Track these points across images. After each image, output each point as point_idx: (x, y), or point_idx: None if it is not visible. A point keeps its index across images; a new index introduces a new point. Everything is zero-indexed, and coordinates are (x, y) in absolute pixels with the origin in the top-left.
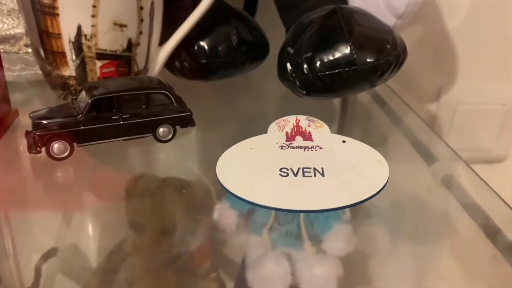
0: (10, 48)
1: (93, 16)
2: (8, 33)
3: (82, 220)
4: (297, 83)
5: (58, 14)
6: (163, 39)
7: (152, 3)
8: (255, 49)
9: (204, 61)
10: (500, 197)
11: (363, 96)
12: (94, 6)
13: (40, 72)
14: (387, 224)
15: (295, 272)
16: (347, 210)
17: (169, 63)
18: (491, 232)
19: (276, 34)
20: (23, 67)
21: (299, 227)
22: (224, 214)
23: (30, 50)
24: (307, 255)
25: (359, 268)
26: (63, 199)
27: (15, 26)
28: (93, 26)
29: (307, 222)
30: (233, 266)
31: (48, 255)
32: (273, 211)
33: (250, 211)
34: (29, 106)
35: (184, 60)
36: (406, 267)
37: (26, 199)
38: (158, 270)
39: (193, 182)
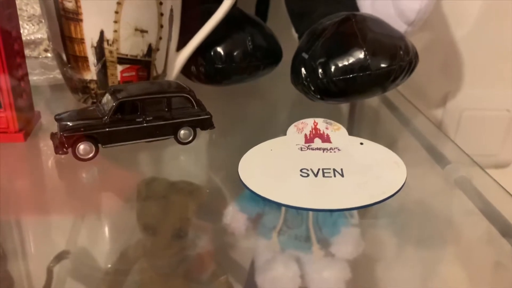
0: (30, 52)
1: (115, 22)
2: (28, 38)
3: (95, 222)
4: (312, 87)
5: (81, 20)
6: (179, 44)
7: (171, 10)
8: (269, 55)
9: (220, 66)
10: None
11: (372, 100)
12: (116, 12)
13: (59, 76)
14: (399, 227)
15: (304, 275)
16: (355, 213)
17: (185, 68)
18: (508, 234)
19: (285, 40)
20: (42, 71)
21: (308, 230)
22: (234, 218)
23: (49, 55)
24: (316, 258)
25: (367, 271)
26: (78, 200)
27: (35, 31)
28: (115, 31)
29: (315, 226)
30: (243, 269)
31: (60, 256)
32: (282, 215)
33: (259, 214)
34: (49, 109)
35: (200, 65)
36: (416, 270)
37: (43, 199)
38: (168, 273)
39: (208, 186)
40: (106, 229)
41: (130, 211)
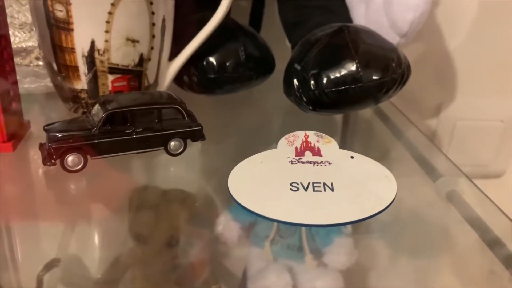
0: (21, 60)
1: (106, 31)
2: (19, 46)
3: (86, 231)
4: (304, 98)
5: (72, 29)
6: (172, 54)
7: (164, 20)
8: (262, 65)
9: (213, 76)
10: (504, 213)
11: (365, 112)
12: (108, 22)
13: (50, 85)
14: (390, 238)
15: (297, 285)
16: None
17: (178, 78)
18: (496, 247)
19: (279, 51)
20: (33, 80)
21: (301, 240)
22: (227, 227)
23: (40, 63)
24: (309, 268)
25: (360, 281)
26: (69, 209)
27: (26, 39)
28: (106, 41)
29: (308, 235)
30: (235, 279)
31: (50, 265)
32: (275, 224)
33: (252, 223)
34: (39, 118)
35: (193, 75)
36: (408, 280)
37: (32, 209)
38: (160, 282)
39: (199, 195)
40: (98, 238)
41: (122, 220)
